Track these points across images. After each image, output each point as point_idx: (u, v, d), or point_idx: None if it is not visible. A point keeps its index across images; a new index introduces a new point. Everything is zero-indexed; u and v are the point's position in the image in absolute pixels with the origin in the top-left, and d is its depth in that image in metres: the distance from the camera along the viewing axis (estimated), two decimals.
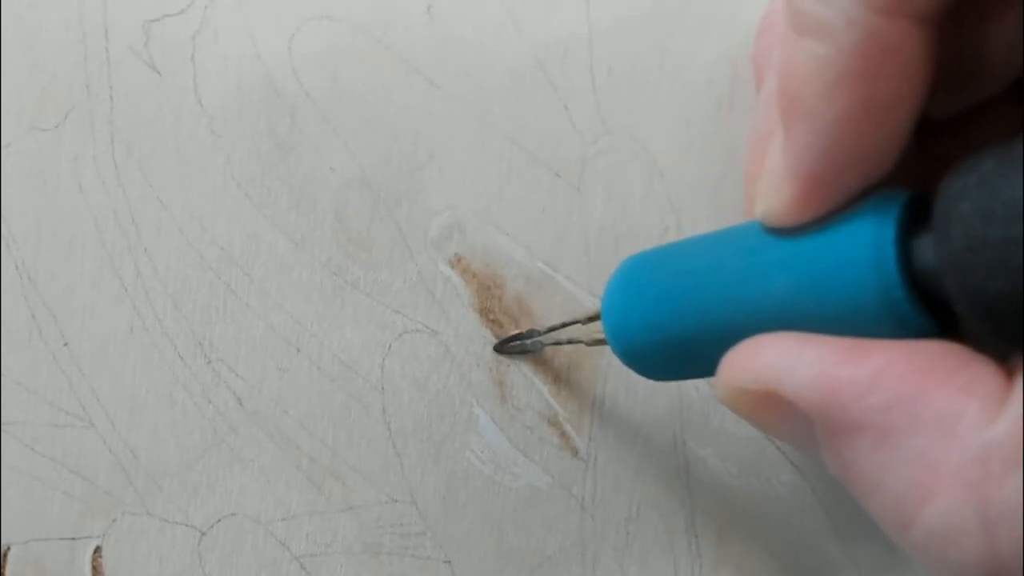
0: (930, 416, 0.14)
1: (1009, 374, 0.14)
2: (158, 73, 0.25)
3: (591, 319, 0.23)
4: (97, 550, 0.26)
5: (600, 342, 0.21)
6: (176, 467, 0.26)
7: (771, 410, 0.16)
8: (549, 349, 0.25)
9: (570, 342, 0.24)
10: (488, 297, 0.25)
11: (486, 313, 0.25)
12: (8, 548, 0.26)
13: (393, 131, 0.25)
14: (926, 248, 0.15)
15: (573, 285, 0.25)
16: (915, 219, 0.16)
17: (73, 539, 0.26)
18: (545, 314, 0.25)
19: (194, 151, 0.25)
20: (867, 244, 0.15)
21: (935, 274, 0.15)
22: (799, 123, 0.16)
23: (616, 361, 0.25)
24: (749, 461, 0.25)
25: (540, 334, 0.25)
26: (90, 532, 0.26)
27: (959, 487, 0.14)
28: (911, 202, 0.16)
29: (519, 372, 0.25)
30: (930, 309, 0.15)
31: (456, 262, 0.25)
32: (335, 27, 0.25)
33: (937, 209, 0.14)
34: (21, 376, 0.25)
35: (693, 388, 0.25)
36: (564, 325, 0.24)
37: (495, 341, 0.25)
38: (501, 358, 0.25)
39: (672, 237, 0.25)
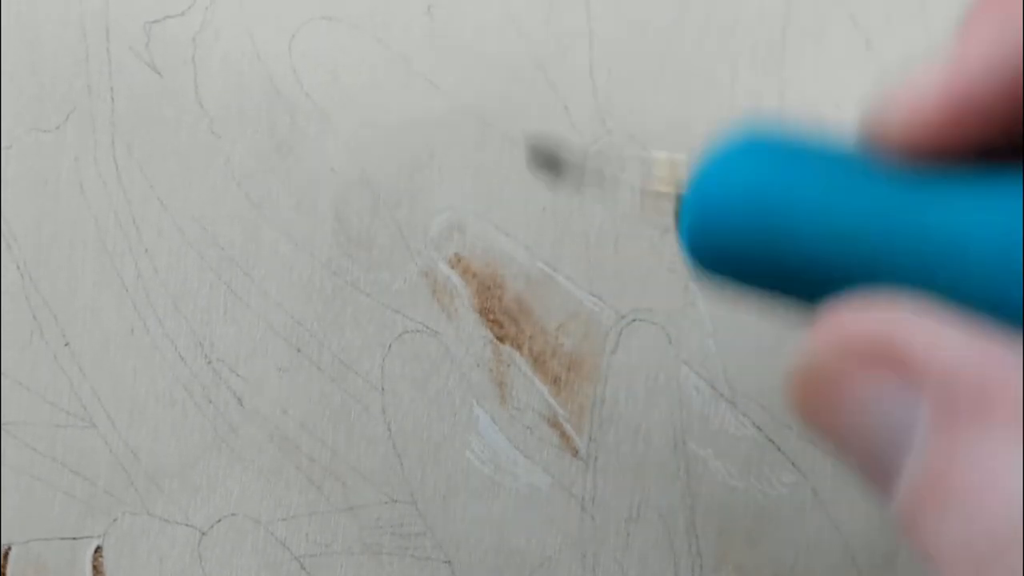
0: None
1: None
2: (159, 74, 0.25)
3: (669, 167, 0.17)
4: (98, 550, 0.26)
5: (660, 196, 0.16)
6: (176, 467, 0.26)
7: (875, 374, 0.12)
8: (550, 348, 0.25)
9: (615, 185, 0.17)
10: (488, 297, 0.25)
11: (486, 313, 0.26)
12: (9, 548, 0.26)
13: (393, 132, 0.25)
14: None
15: (573, 285, 0.25)
16: None
17: (74, 539, 0.26)
18: (545, 314, 0.25)
19: (195, 152, 0.25)
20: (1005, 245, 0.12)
21: None
22: (985, 25, 0.13)
23: (616, 361, 0.25)
24: (749, 461, 0.25)
25: (586, 157, 0.18)
26: (91, 532, 0.26)
27: None
28: None
29: (519, 372, 0.25)
30: None
31: (456, 262, 0.25)
32: (335, 27, 0.25)
33: None
34: (22, 376, 0.25)
35: (693, 389, 0.25)
36: (626, 156, 0.17)
37: (494, 339, 0.25)
38: (501, 357, 0.25)
39: (671, 237, 0.25)
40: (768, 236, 0.15)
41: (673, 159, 0.16)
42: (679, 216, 0.16)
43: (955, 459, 0.11)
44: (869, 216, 0.14)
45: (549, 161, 0.19)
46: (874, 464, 0.12)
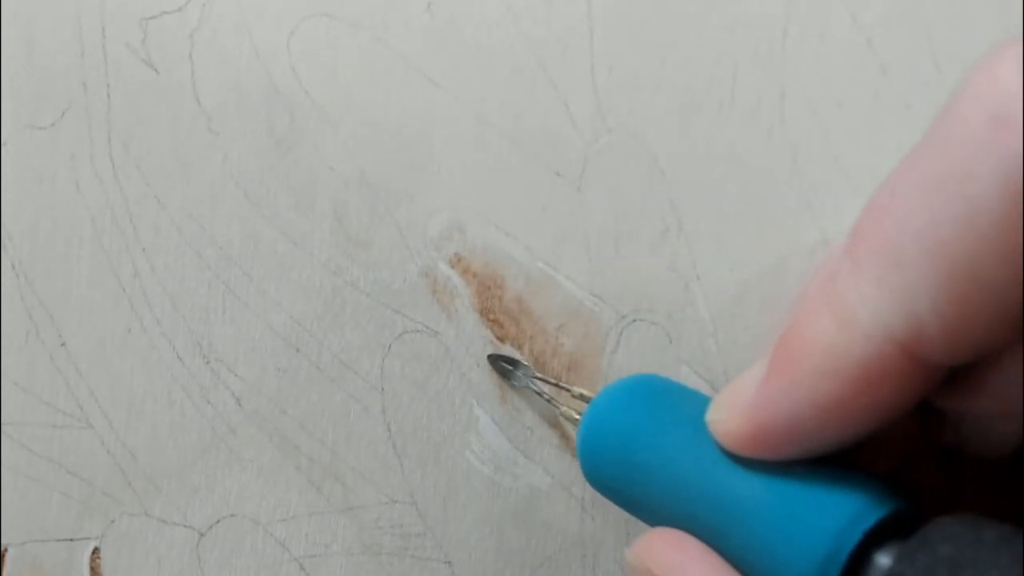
0: None
1: None
2: (155, 71, 0.25)
3: (581, 398, 0.23)
4: (95, 551, 0.26)
5: (572, 421, 0.22)
6: (175, 468, 0.25)
7: None
8: (550, 348, 0.25)
9: (549, 401, 0.24)
10: (488, 297, 0.25)
11: (486, 313, 0.25)
12: (6, 549, 0.25)
13: (393, 131, 0.25)
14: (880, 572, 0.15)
15: (573, 285, 0.25)
16: (887, 525, 0.16)
17: (71, 540, 0.25)
18: (545, 314, 0.25)
19: (192, 149, 0.25)
20: (820, 550, 0.15)
21: None
22: (780, 383, 0.16)
23: (617, 361, 0.25)
24: None
25: (532, 374, 0.25)
26: (88, 533, 0.26)
27: None
28: (882, 520, 0.16)
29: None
30: None
31: (456, 262, 0.25)
32: (334, 25, 0.25)
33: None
34: (18, 376, 0.25)
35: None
36: (557, 385, 0.24)
37: (495, 341, 0.25)
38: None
39: (672, 237, 0.25)
40: (618, 475, 0.20)
41: (584, 395, 0.23)
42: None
43: None
44: (689, 483, 0.18)
45: (505, 364, 0.25)
46: None
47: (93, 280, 0.25)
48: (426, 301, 0.25)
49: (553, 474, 0.26)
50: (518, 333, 0.25)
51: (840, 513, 0.16)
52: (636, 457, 0.19)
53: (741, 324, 0.25)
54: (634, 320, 0.25)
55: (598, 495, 0.26)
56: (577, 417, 0.22)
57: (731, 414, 0.17)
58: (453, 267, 0.25)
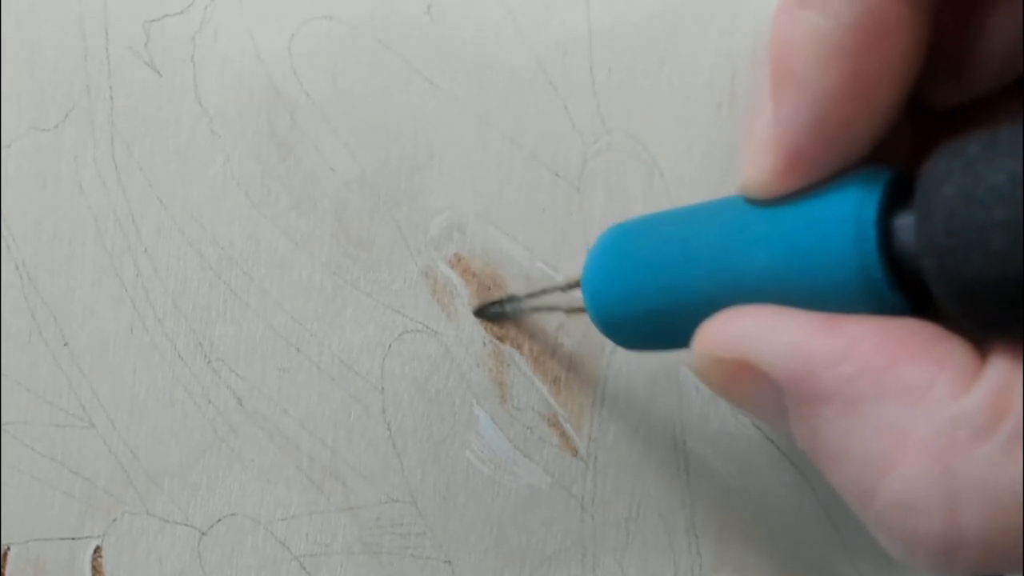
0: (899, 386, 0.14)
1: (982, 353, 0.14)
2: (158, 73, 0.25)
3: (571, 286, 0.23)
4: (97, 550, 0.26)
5: (579, 310, 0.21)
6: (176, 467, 0.26)
7: (742, 380, 0.16)
8: (549, 348, 0.25)
9: (549, 309, 0.24)
10: (488, 297, 0.26)
11: None
12: (8, 548, 0.26)
13: (393, 131, 0.25)
14: (906, 228, 0.15)
15: None
16: (897, 197, 0.16)
17: (73, 539, 0.26)
18: (545, 314, 0.25)
19: (194, 151, 0.25)
20: (848, 223, 0.15)
21: (914, 255, 0.15)
22: (788, 94, 0.16)
23: (616, 361, 0.25)
24: (749, 461, 0.25)
25: (520, 299, 0.25)
26: (90, 532, 0.26)
27: (924, 457, 0.14)
28: (893, 180, 0.16)
29: (519, 372, 0.25)
30: (907, 288, 0.15)
31: (456, 262, 0.25)
32: (335, 27, 0.25)
33: (920, 191, 0.15)
34: (21, 376, 0.25)
35: (693, 388, 0.25)
36: (544, 292, 0.24)
37: (494, 339, 0.25)
38: (501, 357, 0.25)
39: None
40: (640, 304, 0.19)
41: (571, 279, 0.22)
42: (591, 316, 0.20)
43: (814, 431, 0.15)
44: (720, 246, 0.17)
45: (494, 309, 0.25)
46: (773, 422, 0.17)
47: (96, 280, 0.25)
48: (426, 301, 0.25)
49: (553, 474, 0.26)
50: (518, 333, 0.25)
51: (853, 195, 0.16)
52: (660, 279, 0.18)
53: None
54: None
55: (598, 494, 0.26)
56: (580, 305, 0.21)
57: (758, 160, 0.17)
58: (453, 267, 0.25)
